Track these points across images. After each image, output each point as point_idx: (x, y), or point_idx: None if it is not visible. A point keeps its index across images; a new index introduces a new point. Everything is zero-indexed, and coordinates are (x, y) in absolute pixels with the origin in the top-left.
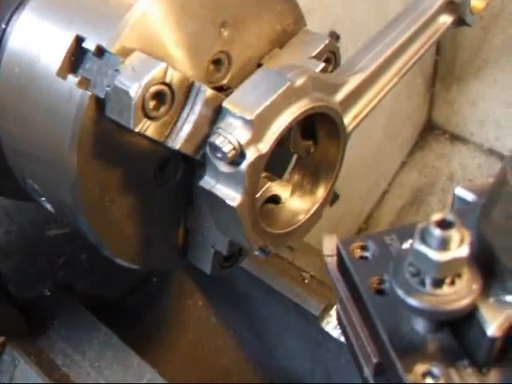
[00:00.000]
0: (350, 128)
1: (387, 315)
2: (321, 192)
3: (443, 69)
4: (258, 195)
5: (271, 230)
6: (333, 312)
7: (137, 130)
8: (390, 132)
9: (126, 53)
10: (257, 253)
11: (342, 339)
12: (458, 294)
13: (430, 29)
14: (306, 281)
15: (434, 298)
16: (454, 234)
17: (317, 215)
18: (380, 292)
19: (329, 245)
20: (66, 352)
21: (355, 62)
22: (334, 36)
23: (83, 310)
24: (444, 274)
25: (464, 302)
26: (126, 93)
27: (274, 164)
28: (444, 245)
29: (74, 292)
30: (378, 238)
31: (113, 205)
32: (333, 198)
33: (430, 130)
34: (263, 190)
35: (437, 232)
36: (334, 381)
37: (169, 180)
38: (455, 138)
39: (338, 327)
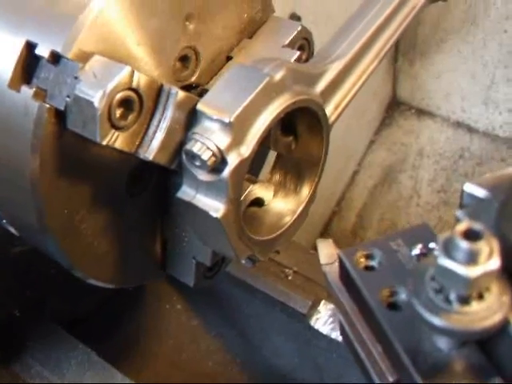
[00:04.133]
0: (332, 119)
1: (404, 332)
2: (305, 191)
3: (405, 43)
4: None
5: (258, 238)
6: (321, 308)
7: (104, 143)
8: (357, 111)
9: (84, 57)
10: (244, 262)
11: (333, 336)
12: (489, 309)
13: (406, 7)
14: (290, 277)
15: (464, 317)
16: (483, 246)
17: (303, 215)
18: (393, 306)
19: (325, 251)
20: (43, 375)
21: (332, 49)
22: (295, 18)
23: (58, 329)
24: (474, 291)
25: (496, 318)
26: (90, 103)
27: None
28: (472, 258)
29: (46, 309)
30: (383, 245)
31: (83, 224)
32: None
33: (395, 107)
34: (245, 193)
35: (464, 244)
36: (325, 375)
37: (142, 190)
38: (422, 112)
39: (329, 323)
